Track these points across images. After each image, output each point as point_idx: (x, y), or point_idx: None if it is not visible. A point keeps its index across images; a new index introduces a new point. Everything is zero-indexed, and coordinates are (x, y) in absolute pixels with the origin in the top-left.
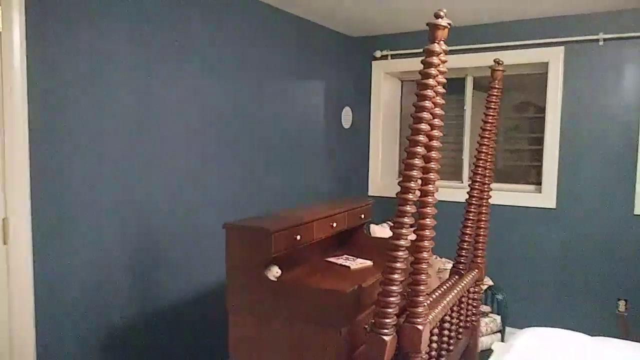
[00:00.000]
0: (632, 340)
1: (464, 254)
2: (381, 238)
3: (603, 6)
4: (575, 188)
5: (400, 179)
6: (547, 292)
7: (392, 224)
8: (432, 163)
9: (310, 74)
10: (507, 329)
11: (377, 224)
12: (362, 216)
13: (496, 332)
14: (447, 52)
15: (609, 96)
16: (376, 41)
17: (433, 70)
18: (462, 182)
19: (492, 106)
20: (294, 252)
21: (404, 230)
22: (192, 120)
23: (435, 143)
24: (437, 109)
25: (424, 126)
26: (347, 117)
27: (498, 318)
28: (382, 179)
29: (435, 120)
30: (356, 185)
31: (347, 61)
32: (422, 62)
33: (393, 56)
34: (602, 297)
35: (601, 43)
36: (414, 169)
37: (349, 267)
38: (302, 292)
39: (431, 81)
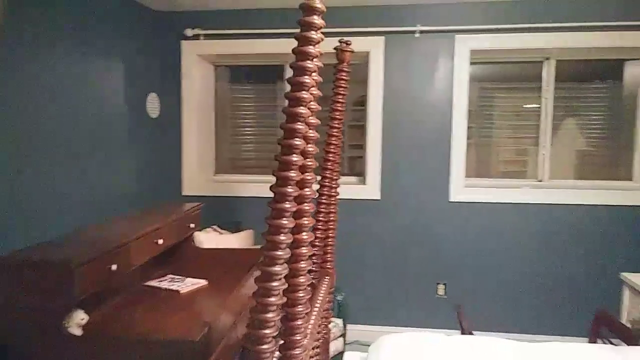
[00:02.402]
0: (469, 333)
1: (314, 259)
2: (215, 249)
3: None
4: (398, 178)
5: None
6: (376, 282)
7: (220, 230)
8: (308, 160)
9: (105, 52)
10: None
11: (200, 231)
12: (192, 225)
13: (339, 337)
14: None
15: (425, 87)
16: (187, 18)
17: (310, 64)
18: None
19: (341, 92)
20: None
21: (281, 237)
22: None
23: (312, 133)
24: (313, 90)
25: (299, 125)
26: (153, 104)
27: (340, 321)
28: (199, 177)
29: (312, 107)
30: (168, 185)
31: (152, 39)
32: (295, 50)
33: (206, 36)
34: (424, 282)
35: (417, 35)
36: (294, 153)
37: (178, 291)
38: (123, 346)
39: (308, 77)
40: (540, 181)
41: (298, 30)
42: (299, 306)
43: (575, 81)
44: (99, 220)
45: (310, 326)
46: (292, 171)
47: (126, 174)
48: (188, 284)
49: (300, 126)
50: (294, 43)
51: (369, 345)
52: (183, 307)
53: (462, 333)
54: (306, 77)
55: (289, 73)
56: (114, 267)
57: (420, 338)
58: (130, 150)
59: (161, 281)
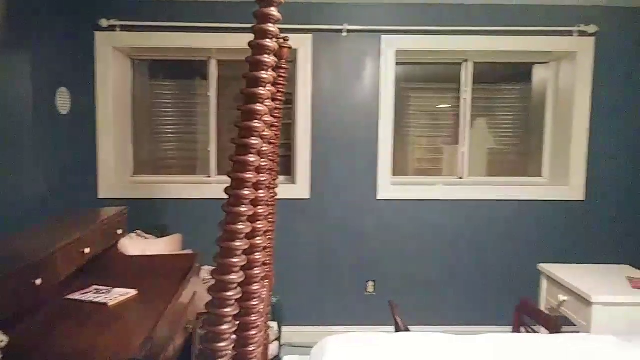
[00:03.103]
0: (405, 329)
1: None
2: (143, 256)
3: None
4: (327, 177)
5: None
6: (307, 282)
7: (145, 235)
8: (263, 160)
9: (7, 41)
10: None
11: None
12: (119, 231)
13: (274, 341)
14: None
15: (353, 86)
16: (101, 7)
17: (267, 58)
18: (210, 177)
19: (280, 89)
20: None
21: (237, 243)
22: None
23: (267, 132)
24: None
25: (257, 123)
26: (63, 100)
27: (275, 324)
28: (116, 178)
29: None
30: (81, 188)
31: (61, 29)
32: (251, 44)
33: (123, 28)
34: (354, 280)
35: (345, 34)
36: (250, 153)
37: (105, 303)
38: None
39: (265, 72)
40: (461, 178)
41: (224, 25)
42: (253, 315)
43: (489, 82)
44: (1, 230)
45: (260, 336)
46: (249, 172)
47: (32, 177)
48: (115, 295)
49: (257, 124)
50: (218, 38)
51: (301, 347)
52: (113, 321)
53: (397, 329)
54: (263, 72)
55: (213, 69)
56: (38, 281)
57: (364, 338)
58: (36, 150)
59: (85, 293)
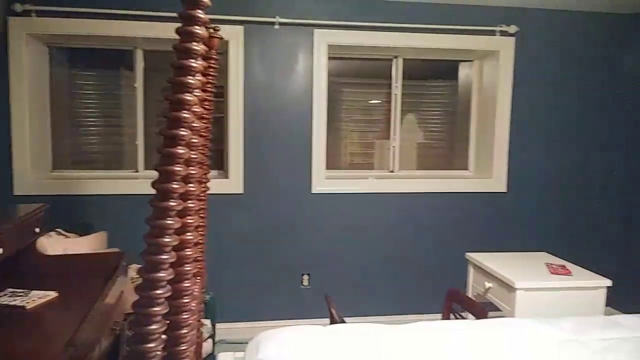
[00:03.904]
0: (340, 321)
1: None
2: (63, 255)
3: None
4: (261, 172)
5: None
6: (242, 278)
7: (67, 234)
8: (193, 152)
9: None
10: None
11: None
12: (37, 229)
13: (208, 339)
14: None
15: (287, 80)
16: None
17: (196, 46)
18: (138, 172)
19: (211, 80)
20: None
21: (166, 239)
22: None
23: (197, 123)
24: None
25: (186, 114)
26: None
27: (208, 322)
28: (33, 174)
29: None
30: None
31: None
32: (179, 30)
33: (39, 13)
34: (289, 274)
35: (277, 27)
36: (179, 145)
37: (23, 307)
38: None
39: (194, 61)
40: (392, 172)
41: (151, 13)
42: (184, 313)
43: (418, 79)
44: None
45: (192, 334)
46: (178, 165)
47: None
48: (34, 297)
49: (186, 114)
50: (145, 26)
51: (236, 343)
52: (32, 325)
53: (332, 321)
54: (192, 60)
55: (139, 59)
56: None
57: (298, 331)
58: None
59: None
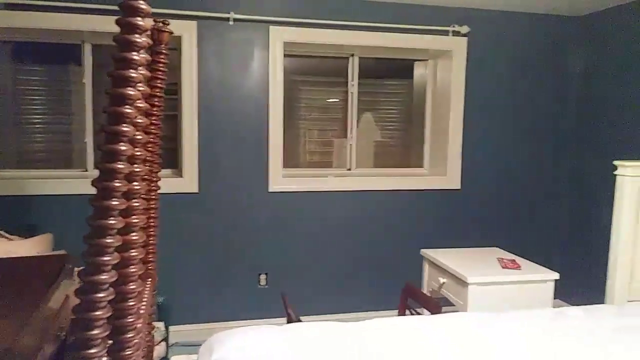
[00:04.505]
0: (296, 320)
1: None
2: (3, 259)
3: None
4: (216, 170)
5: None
6: (198, 278)
7: (9, 236)
8: (137, 149)
9: None
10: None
11: None
12: None
13: (161, 342)
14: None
15: (242, 77)
16: None
17: (139, 38)
18: (87, 171)
19: (160, 76)
20: None
21: (108, 240)
22: None
23: (141, 119)
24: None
25: (128, 109)
26: None
27: (162, 325)
28: None
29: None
30: None
31: None
32: (120, 22)
33: None
34: (246, 274)
35: (231, 23)
36: (122, 141)
37: None
38: None
39: (137, 53)
40: (349, 170)
41: (99, 6)
42: (129, 317)
43: (374, 77)
44: None
45: (138, 338)
46: (120, 162)
47: None
48: None
49: (129, 110)
50: (93, 20)
51: (192, 346)
52: None
53: (289, 321)
54: (134, 53)
55: (88, 54)
56: None
57: (253, 332)
58: None
59: None
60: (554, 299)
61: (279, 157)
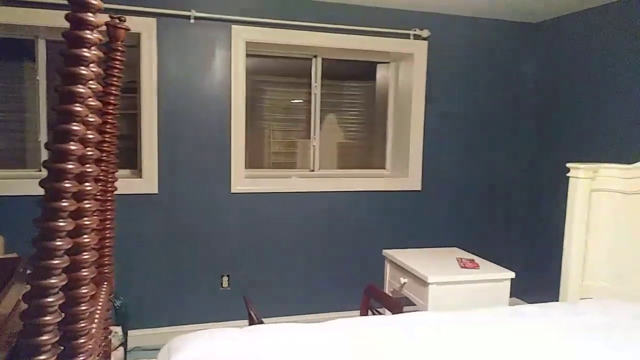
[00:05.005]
0: (259, 322)
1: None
2: None
3: None
4: (177, 171)
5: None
6: (158, 281)
7: None
8: (89, 149)
9: None
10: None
11: None
12: None
13: (119, 347)
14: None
15: (203, 77)
16: None
17: (89, 34)
18: (41, 171)
19: (116, 73)
20: None
21: (57, 242)
22: None
23: (92, 117)
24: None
25: (78, 107)
26: None
27: (119, 329)
28: None
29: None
30: None
31: None
32: (69, 17)
33: None
34: (208, 276)
35: (192, 21)
36: (72, 140)
37: None
38: None
39: (87, 50)
40: (312, 171)
41: (54, 0)
42: (81, 322)
43: (337, 79)
44: None
45: (91, 343)
46: (70, 162)
47: None
48: None
49: (79, 108)
50: (47, 14)
51: (153, 350)
52: None
53: (251, 323)
54: (85, 49)
55: (42, 50)
56: None
57: (213, 334)
58: None
59: None
60: (510, 297)
61: (241, 157)
